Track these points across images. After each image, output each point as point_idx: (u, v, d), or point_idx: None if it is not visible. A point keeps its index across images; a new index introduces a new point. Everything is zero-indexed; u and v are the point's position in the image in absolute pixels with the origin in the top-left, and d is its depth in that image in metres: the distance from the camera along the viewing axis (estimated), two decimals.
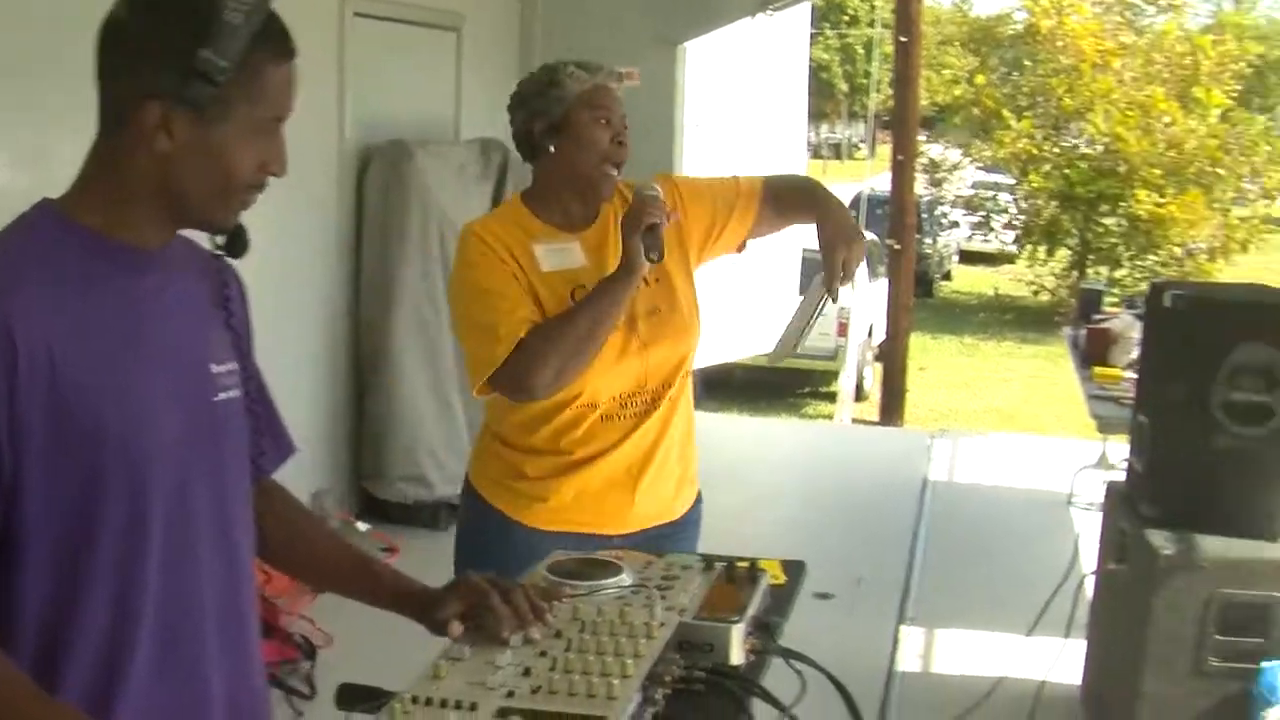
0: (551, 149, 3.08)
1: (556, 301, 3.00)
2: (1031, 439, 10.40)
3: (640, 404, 3.10)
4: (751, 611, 2.02)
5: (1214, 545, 4.11)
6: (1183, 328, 4.17)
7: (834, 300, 3.12)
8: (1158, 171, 19.20)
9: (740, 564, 2.18)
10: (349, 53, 6.28)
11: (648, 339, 3.04)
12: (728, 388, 13.97)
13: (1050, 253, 21.01)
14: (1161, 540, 4.12)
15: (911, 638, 5.57)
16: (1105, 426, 5.48)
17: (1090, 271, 20.03)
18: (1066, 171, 19.96)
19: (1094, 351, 5.92)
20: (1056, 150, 20.60)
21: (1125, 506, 4.44)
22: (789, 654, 2.02)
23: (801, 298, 3.18)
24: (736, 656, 1.94)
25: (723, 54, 8.29)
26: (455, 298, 3.22)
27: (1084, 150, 20.28)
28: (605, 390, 3.03)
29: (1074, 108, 20.27)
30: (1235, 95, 20.87)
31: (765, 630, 2.05)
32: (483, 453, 3.27)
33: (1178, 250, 19.59)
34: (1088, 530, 5.15)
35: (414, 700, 1.66)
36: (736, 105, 8.54)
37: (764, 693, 1.90)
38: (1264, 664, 4.04)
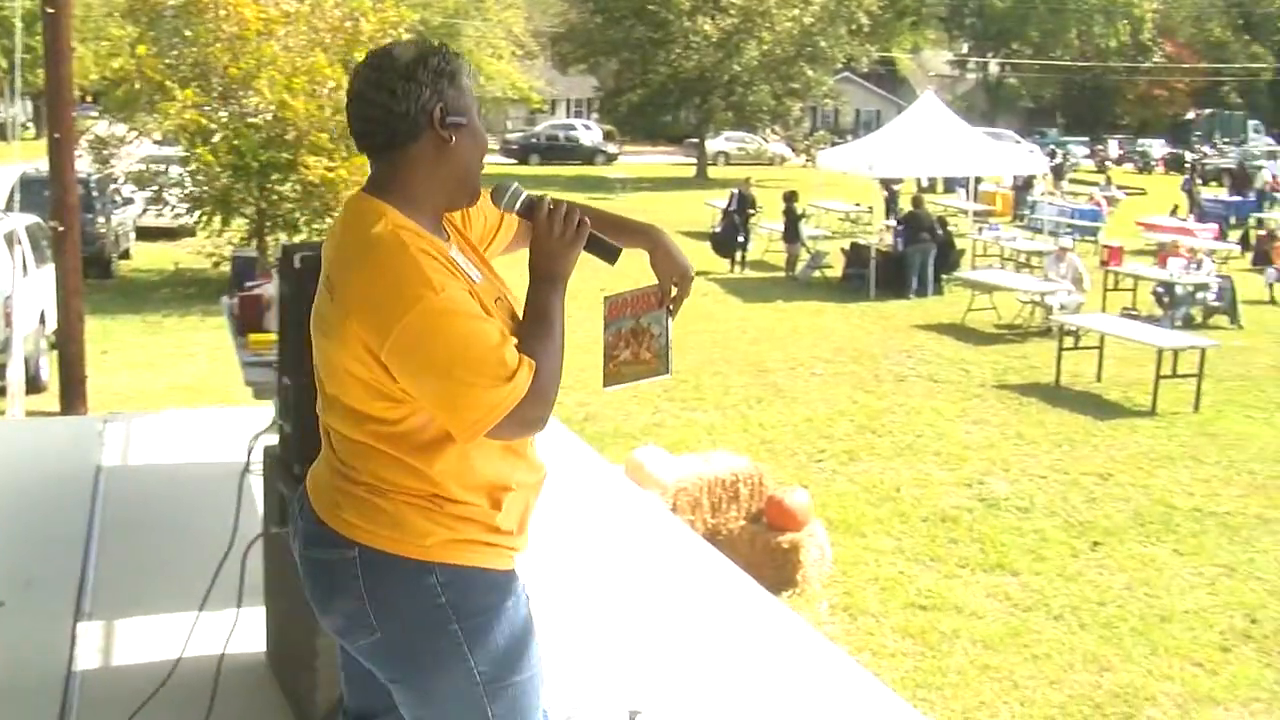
0: (451, 139, 2.75)
1: (500, 317, 2.74)
2: (213, 411, 10.27)
3: None
4: None
5: None
6: (312, 287, 4.22)
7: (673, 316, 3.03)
8: (325, 136, 19.55)
9: None
10: None
11: None
12: None
13: (226, 222, 20.85)
14: None
15: (89, 633, 5.33)
16: (261, 392, 5.50)
17: (270, 238, 20.16)
18: (236, 141, 19.88)
19: (248, 318, 5.93)
20: (225, 120, 20.46)
21: (280, 469, 4.47)
22: None
23: (608, 330, 3.06)
24: None
25: None
26: (424, 330, 2.59)
27: (253, 119, 20.25)
28: None
29: (240, 77, 20.17)
30: None
31: None
32: (425, 522, 2.76)
33: None
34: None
35: None
36: None
37: None
38: None
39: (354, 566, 2.78)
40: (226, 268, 20.52)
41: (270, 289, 5.92)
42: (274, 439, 4.83)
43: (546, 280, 2.82)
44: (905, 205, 24.70)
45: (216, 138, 20.17)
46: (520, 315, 2.84)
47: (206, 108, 20.40)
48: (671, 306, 3.03)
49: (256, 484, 6.71)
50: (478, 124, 2.83)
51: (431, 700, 2.91)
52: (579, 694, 4.89)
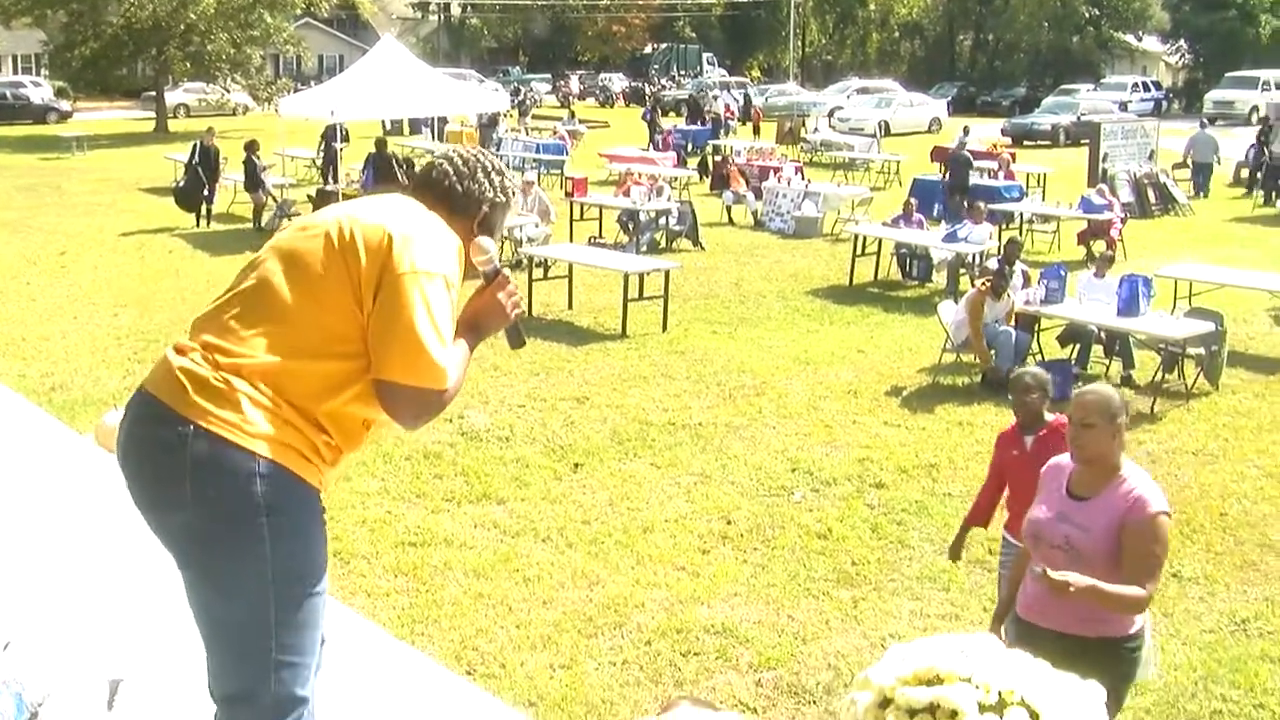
0: (476, 226, 3.53)
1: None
2: None
3: None
4: None
5: None
6: None
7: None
8: None
9: None
10: None
11: None
12: None
13: None
14: None
15: None
16: None
17: None
18: None
19: None
20: None
21: None
22: None
23: None
24: None
25: None
26: (426, 290, 3.27)
27: None
28: None
29: None
30: None
31: None
32: (281, 430, 3.13)
33: None
34: None
35: None
36: None
37: None
38: None
39: (184, 441, 3.04)
40: None
41: None
42: None
43: (474, 332, 3.54)
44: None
45: None
46: None
47: None
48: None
49: None
50: (496, 229, 3.62)
51: (222, 591, 3.16)
52: (60, 666, 4.66)
